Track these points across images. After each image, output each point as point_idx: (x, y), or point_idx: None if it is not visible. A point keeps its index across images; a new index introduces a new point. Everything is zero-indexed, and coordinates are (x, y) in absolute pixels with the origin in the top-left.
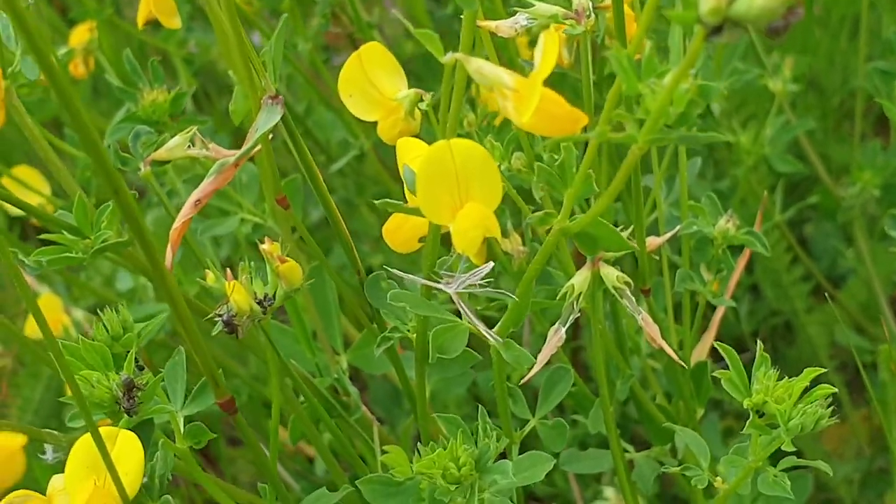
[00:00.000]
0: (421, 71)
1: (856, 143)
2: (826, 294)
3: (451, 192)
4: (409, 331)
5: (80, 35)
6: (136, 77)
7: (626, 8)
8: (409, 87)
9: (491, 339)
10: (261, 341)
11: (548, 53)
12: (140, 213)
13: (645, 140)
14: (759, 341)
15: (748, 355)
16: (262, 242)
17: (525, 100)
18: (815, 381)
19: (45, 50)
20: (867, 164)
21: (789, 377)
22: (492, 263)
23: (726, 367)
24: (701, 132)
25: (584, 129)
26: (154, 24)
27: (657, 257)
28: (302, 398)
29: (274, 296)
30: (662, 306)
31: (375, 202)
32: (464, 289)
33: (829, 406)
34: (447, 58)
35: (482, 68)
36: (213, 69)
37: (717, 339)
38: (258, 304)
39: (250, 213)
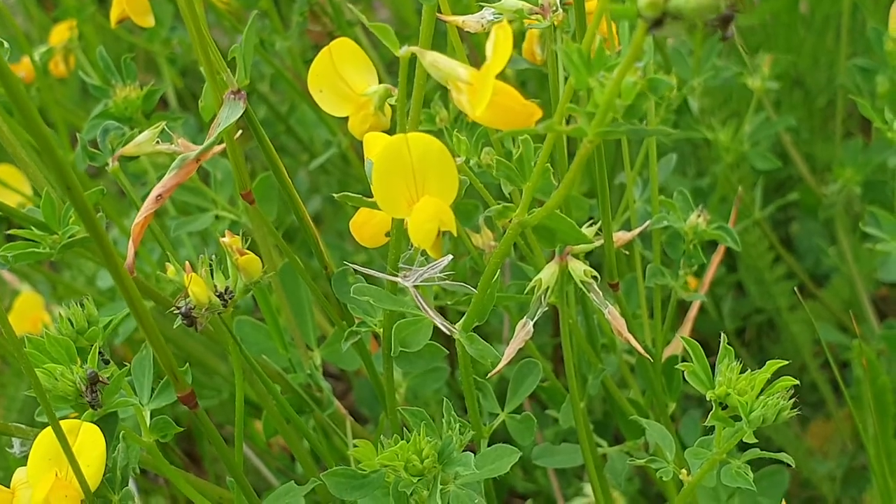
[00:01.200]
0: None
1: (837, 140)
2: (808, 292)
3: (408, 185)
4: (376, 325)
5: (61, 33)
6: (110, 74)
7: (589, 3)
8: (394, 83)
9: (449, 331)
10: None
11: (499, 46)
12: (91, 210)
13: (594, 133)
14: (722, 335)
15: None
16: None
17: (479, 93)
18: (778, 374)
19: None
20: (848, 162)
21: (772, 375)
22: (450, 257)
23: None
24: (676, 129)
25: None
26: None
27: (627, 253)
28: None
29: (234, 289)
30: (638, 303)
31: (336, 196)
32: (422, 282)
33: (812, 403)
34: (403, 51)
35: (437, 62)
36: (197, 68)
37: (699, 336)
38: (218, 296)
39: (225, 209)
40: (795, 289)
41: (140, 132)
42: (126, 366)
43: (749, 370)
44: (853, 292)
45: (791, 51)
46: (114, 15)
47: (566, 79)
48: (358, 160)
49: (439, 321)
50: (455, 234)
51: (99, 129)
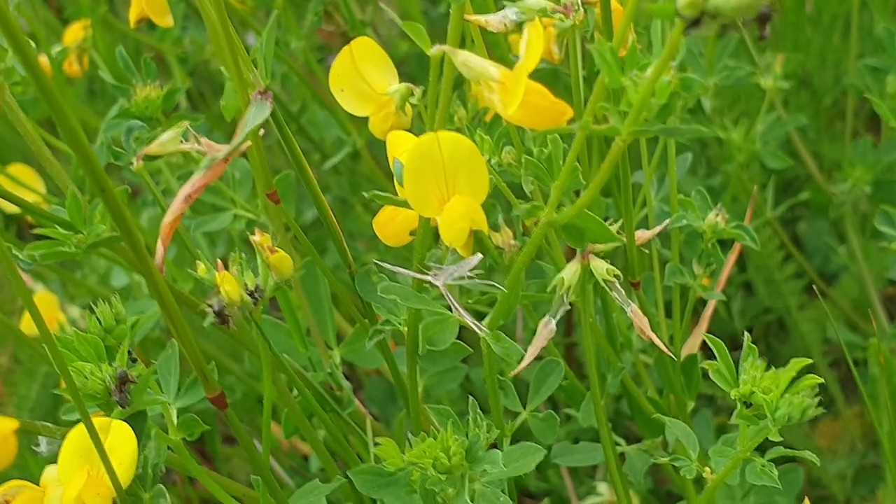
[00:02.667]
0: (415, 71)
1: (847, 140)
2: (818, 291)
3: (439, 184)
4: (400, 324)
5: (74, 33)
6: (129, 74)
7: (614, 2)
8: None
9: (479, 330)
10: (253, 337)
11: (532, 46)
12: (127, 211)
13: (628, 132)
14: (745, 333)
15: (739, 354)
16: (252, 235)
17: (511, 92)
18: (803, 373)
19: (27, 49)
20: (858, 161)
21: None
22: (480, 255)
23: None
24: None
25: (571, 122)
26: (149, 24)
27: (647, 251)
28: (295, 392)
29: (265, 287)
30: (654, 301)
31: (366, 194)
32: (452, 281)
33: (821, 402)
34: (434, 50)
35: (469, 61)
36: (208, 69)
37: (710, 335)
38: (249, 294)
39: (244, 209)
40: (803, 288)
41: (162, 132)
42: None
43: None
44: (863, 291)
45: (798, 50)
46: (133, 15)
47: (585, 78)
48: (371, 159)
49: (470, 319)
50: (486, 233)
51: (120, 127)
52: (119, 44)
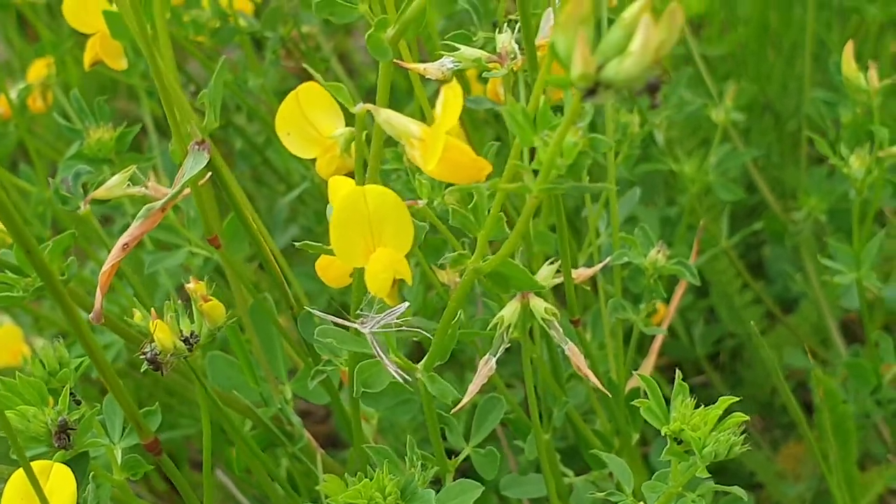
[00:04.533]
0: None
1: (803, 168)
2: (777, 317)
3: (364, 236)
4: (342, 364)
5: (38, 70)
6: (83, 116)
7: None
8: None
9: (403, 378)
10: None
11: (448, 106)
12: (54, 269)
13: (538, 189)
14: (677, 371)
15: (702, 379)
16: (188, 283)
17: (430, 148)
18: (730, 410)
19: None
20: (813, 190)
21: (743, 399)
22: (406, 304)
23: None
24: (643, 162)
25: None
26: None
27: (588, 288)
28: (248, 427)
29: (199, 334)
30: (601, 336)
31: (297, 245)
32: (379, 328)
33: (784, 426)
34: (358, 108)
35: (390, 118)
36: None
37: (672, 363)
38: (184, 341)
39: (198, 246)
40: (764, 314)
41: (112, 174)
42: (96, 405)
43: (707, 405)
44: (821, 317)
45: (760, 77)
46: (87, 58)
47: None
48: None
49: (392, 368)
50: (409, 284)
51: (70, 171)
52: (91, 76)
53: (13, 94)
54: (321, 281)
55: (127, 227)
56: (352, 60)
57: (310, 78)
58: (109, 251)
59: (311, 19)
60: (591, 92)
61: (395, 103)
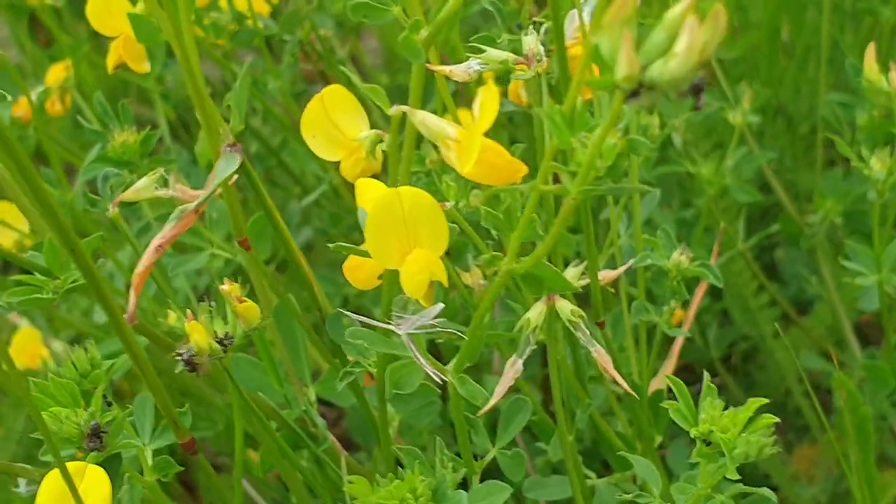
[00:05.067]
0: (397, 101)
1: (818, 171)
2: (793, 319)
3: (400, 238)
4: (370, 365)
5: (57, 73)
6: (107, 118)
7: (572, 51)
8: (385, 118)
9: (438, 378)
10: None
11: (486, 107)
12: (96, 269)
13: (577, 191)
14: (705, 373)
15: (716, 381)
16: (222, 283)
17: (467, 151)
18: (762, 409)
19: None
20: (829, 192)
21: (755, 412)
22: (441, 305)
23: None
24: (661, 163)
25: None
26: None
27: (613, 290)
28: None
29: (234, 335)
30: (622, 337)
31: (330, 246)
32: (414, 330)
33: (798, 428)
34: (393, 110)
35: (426, 120)
36: (190, 100)
37: (687, 365)
38: (218, 342)
39: (220, 248)
40: (779, 316)
41: (138, 177)
42: (126, 406)
43: (733, 401)
44: (836, 319)
45: (773, 81)
46: (110, 61)
47: None
48: (349, 194)
49: (430, 370)
50: (445, 284)
51: (97, 173)
52: (105, 80)
53: (32, 97)
54: (335, 282)
55: (146, 227)
56: (362, 63)
57: (323, 82)
58: (134, 247)
59: (325, 22)
60: (634, 94)
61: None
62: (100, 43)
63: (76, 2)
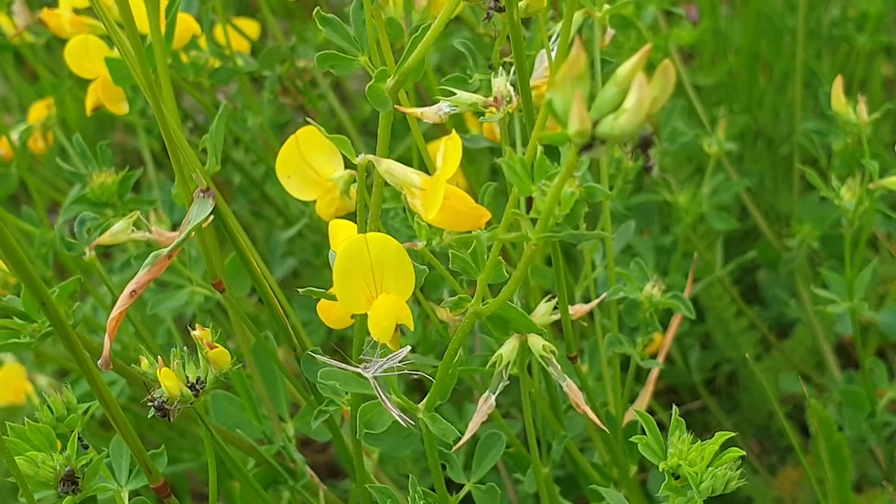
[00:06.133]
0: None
1: (796, 194)
2: (773, 342)
3: (367, 283)
4: (344, 404)
5: (39, 112)
6: (86, 159)
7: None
8: (368, 145)
9: (406, 422)
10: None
11: (449, 157)
12: (67, 320)
13: (537, 238)
14: (674, 407)
15: (699, 403)
16: (203, 316)
17: (431, 198)
18: (726, 444)
19: None
20: (806, 217)
21: (740, 423)
22: (408, 348)
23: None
24: (637, 192)
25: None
26: None
27: (585, 324)
28: (251, 465)
29: (205, 380)
30: (598, 369)
31: (300, 291)
32: (381, 373)
33: (782, 450)
34: (360, 159)
35: (391, 169)
36: None
37: (670, 387)
38: (190, 387)
39: (200, 286)
40: (760, 340)
41: (119, 217)
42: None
43: (715, 423)
44: (816, 341)
45: (752, 104)
46: (89, 103)
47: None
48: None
49: (396, 412)
50: (411, 329)
51: (73, 215)
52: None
53: (14, 136)
54: (315, 313)
55: (127, 263)
56: (345, 88)
57: (302, 114)
58: (109, 288)
59: (306, 53)
60: (587, 147)
61: (391, 137)
62: (83, 79)
63: (60, 39)
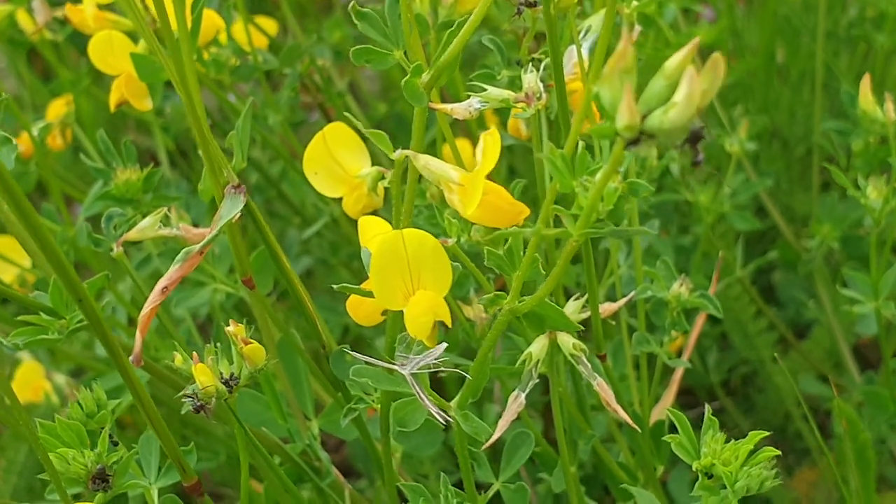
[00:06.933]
0: (395, 130)
1: (814, 195)
2: (791, 343)
3: (404, 280)
4: (373, 402)
5: (58, 109)
6: (109, 156)
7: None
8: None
9: (441, 418)
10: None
11: (488, 152)
12: (101, 315)
13: (579, 234)
14: (706, 405)
15: (716, 404)
16: (225, 316)
17: (469, 194)
18: (762, 444)
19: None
20: (825, 218)
21: (755, 425)
22: (444, 345)
23: (690, 422)
24: (659, 192)
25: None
26: None
27: (613, 322)
28: (277, 462)
29: (239, 376)
30: (625, 364)
31: (335, 287)
32: (418, 370)
33: (798, 451)
34: (396, 154)
35: (429, 164)
36: (188, 131)
37: (687, 388)
38: (224, 383)
39: (223, 283)
40: (777, 340)
41: (142, 214)
42: (131, 437)
43: (732, 424)
44: (834, 342)
45: (768, 105)
46: (113, 99)
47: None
48: (348, 223)
49: (434, 409)
50: (449, 325)
51: (99, 209)
52: (104, 112)
53: (33, 133)
54: (335, 311)
55: (147, 259)
56: (360, 90)
57: (321, 112)
58: (136, 283)
59: (323, 52)
60: (634, 142)
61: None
62: (99, 74)
63: (76, 36)
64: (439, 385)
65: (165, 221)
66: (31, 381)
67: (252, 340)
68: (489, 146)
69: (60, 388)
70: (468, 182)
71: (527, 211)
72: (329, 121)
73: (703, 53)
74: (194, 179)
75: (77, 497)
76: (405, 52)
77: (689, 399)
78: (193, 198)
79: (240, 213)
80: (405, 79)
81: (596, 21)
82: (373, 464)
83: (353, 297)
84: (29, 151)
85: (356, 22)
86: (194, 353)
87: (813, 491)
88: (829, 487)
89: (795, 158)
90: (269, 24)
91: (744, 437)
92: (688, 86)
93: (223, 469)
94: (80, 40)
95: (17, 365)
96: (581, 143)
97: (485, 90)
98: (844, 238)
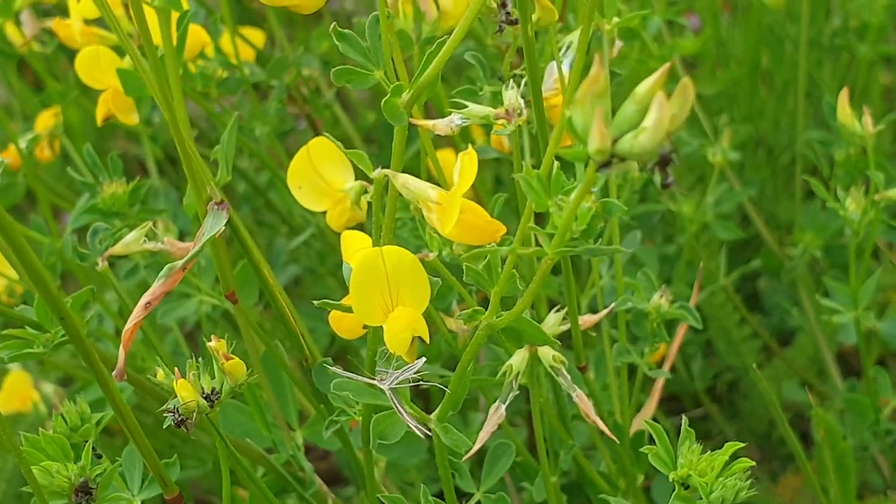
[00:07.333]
0: (382, 138)
1: (798, 203)
2: (774, 350)
3: (383, 296)
4: (355, 414)
5: (46, 120)
6: (96, 170)
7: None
8: (371, 153)
9: (422, 432)
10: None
11: (465, 172)
12: (83, 332)
13: (554, 253)
14: (683, 417)
15: (701, 411)
16: (210, 325)
17: (447, 212)
18: (737, 455)
19: None
20: (808, 226)
21: (741, 430)
22: (423, 360)
23: (674, 429)
24: (642, 202)
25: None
26: None
27: (594, 334)
28: (260, 473)
29: (220, 391)
30: (607, 373)
31: (315, 303)
32: (397, 384)
33: (783, 457)
34: (376, 173)
35: (408, 183)
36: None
37: (672, 395)
38: (205, 398)
39: (208, 295)
40: (761, 348)
41: (128, 227)
42: (117, 445)
43: (717, 430)
44: (817, 349)
45: (753, 113)
46: (99, 114)
47: (534, 166)
48: (335, 234)
49: (412, 423)
50: (427, 341)
51: (87, 222)
52: (93, 122)
53: (22, 144)
54: (322, 319)
55: (133, 270)
56: (349, 98)
57: (308, 122)
58: (121, 298)
59: (311, 62)
60: (606, 164)
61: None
62: (89, 87)
63: (66, 47)
64: (424, 394)
65: (151, 235)
66: (19, 390)
67: (233, 356)
68: (466, 166)
69: (49, 398)
70: (446, 201)
71: (503, 229)
72: (316, 132)
73: (688, 63)
74: (183, 188)
75: None
76: (385, 72)
77: (674, 405)
78: (181, 207)
79: (224, 228)
80: (385, 99)
81: (577, 37)
82: (358, 473)
83: (334, 312)
84: (17, 163)
85: (336, 43)
86: (176, 368)
87: (797, 497)
88: (813, 493)
89: (780, 166)
90: (257, 35)
91: (735, 456)
92: (657, 111)
93: (210, 477)
94: (70, 49)
95: (5, 375)
96: (557, 164)
97: (466, 107)
98: (827, 246)
